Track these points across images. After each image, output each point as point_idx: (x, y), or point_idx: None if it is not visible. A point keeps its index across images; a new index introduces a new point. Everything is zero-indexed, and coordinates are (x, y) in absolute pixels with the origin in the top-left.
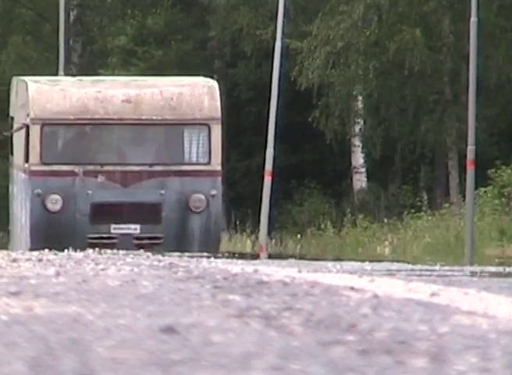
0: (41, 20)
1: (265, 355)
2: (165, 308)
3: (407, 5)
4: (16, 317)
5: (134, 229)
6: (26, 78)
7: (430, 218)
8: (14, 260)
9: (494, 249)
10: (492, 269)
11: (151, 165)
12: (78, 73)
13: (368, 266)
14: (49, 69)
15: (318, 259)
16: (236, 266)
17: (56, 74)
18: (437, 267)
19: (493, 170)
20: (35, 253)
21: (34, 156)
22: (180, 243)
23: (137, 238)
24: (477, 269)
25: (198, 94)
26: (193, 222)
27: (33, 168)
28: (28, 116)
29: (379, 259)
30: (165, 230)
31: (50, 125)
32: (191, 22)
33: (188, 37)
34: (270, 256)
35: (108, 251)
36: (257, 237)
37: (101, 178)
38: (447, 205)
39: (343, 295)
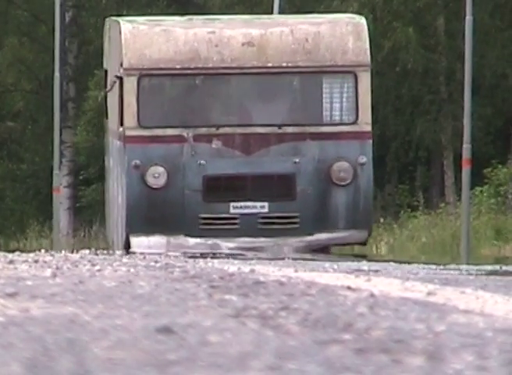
0: (37, 21)
1: (262, 355)
2: (162, 308)
3: (402, 4)
4: (12, 318)
5: (261, 207)
6: (119, 18)
7: (426, 217)
8: (10, 262)
9: (490, 248)
10: (489, 267)
11: (280, 126)
12: (74, 74)
13: (364, 265)
14: (45, 70)
15: (315, 259)
16: (233, 266)
17: (52, 76)
18: (433, 266)
19: (489, 169)
20: (31, 255)
21: (130, 118)
22: (320, 225)
23: (265, 218)
24: (473, 267)
25: (340, 33)
26: (337, 198)
27: (129, 133)
28: (121, 65)
29: (376, 259)
30: (300, 209)
31: (149, 76)
32: None
33: None
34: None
35: (105, 251)
36: None
37: (216, 144)
38: (443, 204)
39: (340, 295)
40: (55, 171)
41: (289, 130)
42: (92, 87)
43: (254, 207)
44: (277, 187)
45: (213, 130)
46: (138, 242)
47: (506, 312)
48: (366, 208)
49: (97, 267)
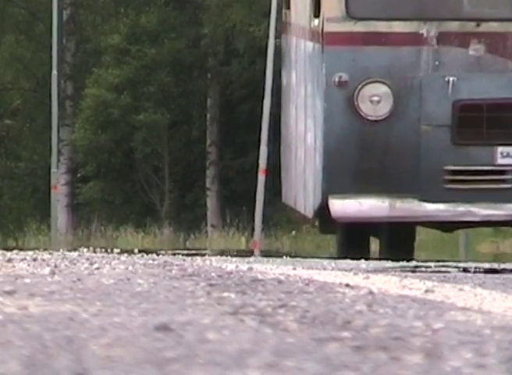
0: (34, 19)
1: (260, 352)
2: (160, 306)
3: None
4: (10, 316)
5: None
6: None
7: None
8: (9, 260)
9: (488, 245)
10: (487, 265)
11: None
12: (71, 72)
13: (363, 263)
14: (43, 68)
15: (313, 257)
16: (231, 264)
17: (50, 74)
18: (432, 264)
19: None
20: (30, 253)
21: (333, 3)
22: None
23: None
24: (471, 265)
25: None
26: None
27: (331, 27)
28: None
29: (374, 256)
30: None
31: None
32: (184, 20)
33: (181, 35)
34: (264, 254)
35: (103, 250)
36: (251, 235)
37: (475, 49)
38: None
39: (338, 292)
40: (53, 169)
41: None
42: (90, 85)
43: None
44: None
45: (470, 26)
46: (343, 207)
47: (505, 310)
48: None
49: (96, 265)
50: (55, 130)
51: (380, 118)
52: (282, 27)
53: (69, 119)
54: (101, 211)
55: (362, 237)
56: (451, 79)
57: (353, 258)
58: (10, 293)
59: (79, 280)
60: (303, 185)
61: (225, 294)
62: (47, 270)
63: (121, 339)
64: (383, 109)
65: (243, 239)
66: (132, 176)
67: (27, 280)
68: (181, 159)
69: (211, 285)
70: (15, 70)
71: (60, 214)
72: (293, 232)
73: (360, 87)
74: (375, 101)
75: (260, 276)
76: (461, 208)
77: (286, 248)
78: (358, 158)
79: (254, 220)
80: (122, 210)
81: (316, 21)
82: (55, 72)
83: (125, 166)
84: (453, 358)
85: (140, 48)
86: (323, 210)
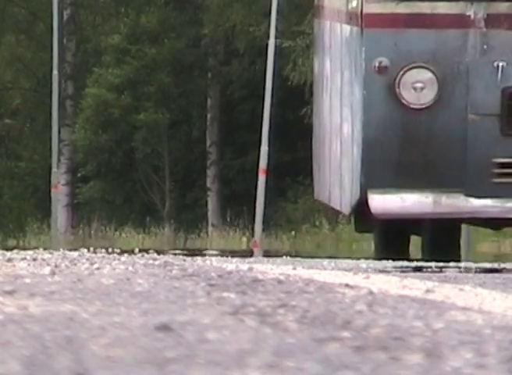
0: (35, 19)
1: (260, 352)
2: (160, 305)
3: None
4: (10, 316)
5: None
6: None
7: None
8: (9, 259)
9: (489, 245)
10: (487, 264)
11: None
12: (72, 72)
13: (363, 263)
14: (43, 68)
15: (313, 257)
16: (231, 264)
17: (50, 74)
18: (432, 264)
19: None
20: (30, 252)
21: None
22: None
23: None
24: (472, 265)
25: None
26: None
27: (371, 9)
28: None
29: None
30: None
31: None
32: (184, 20)
33: (181, 35)
34: (264, 254)
35: (103, 250)
36: (251, 235)
37: None
38: None
39: (338, 292)
40: (54, 169)
41: None
42: (90, 84)
43: None
44: None
45: None
46: (383, 203)
47: (505, 309)
48: None
49: (96, 265)
50: (55, 129)
51: (424, 106)
52: (315, 11)
53: (70, 119)
54: (101, 211)
55: (402, 236)
56: (500, 64)
57: (355, 258)
58: (10, 293)
59: (79, 280)
60: (339, 180)
61: (225, 294)
62: (47, 270)
63: (121, 339)
64: (427, 97)
65: (243, 239)
66: (132, 175)
67: (27, 280)
68: (181, 159)
69: (211, 285)
70: (15, 70)
71: (60, 214)
72: (293, 232)
73: (402, 72)
74: (419, 88)
75: (260, 276)
76: (510, 204)
77: (286, 248)
78: (400, 150)
79: (254, 220)
80: (123, 210)
81: (354, 2)
82: (55, 72)
83: (125, 165)
84: (453, 358)
85: (140, 47)
86: (361, 206)
